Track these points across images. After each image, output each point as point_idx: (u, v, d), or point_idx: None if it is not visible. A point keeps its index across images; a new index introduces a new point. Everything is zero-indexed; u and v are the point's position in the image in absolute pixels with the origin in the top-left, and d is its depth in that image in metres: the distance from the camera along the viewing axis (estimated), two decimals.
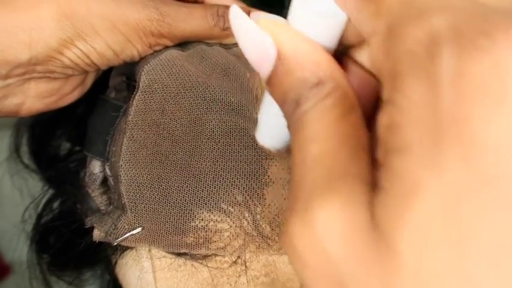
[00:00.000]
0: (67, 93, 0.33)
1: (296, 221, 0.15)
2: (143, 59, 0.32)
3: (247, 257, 0.29)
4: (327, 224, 0.14)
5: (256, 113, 0.30)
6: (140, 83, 0.31)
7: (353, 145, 0.15)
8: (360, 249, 0.13)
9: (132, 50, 0.31)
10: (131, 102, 0.31)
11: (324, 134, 0.15)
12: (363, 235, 0.13)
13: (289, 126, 0.17)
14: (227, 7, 0.32)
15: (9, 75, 0.29)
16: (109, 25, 0.29)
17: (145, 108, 0.31)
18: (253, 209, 0.28)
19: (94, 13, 0.29)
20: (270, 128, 0.28)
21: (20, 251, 0.42)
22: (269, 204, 0.28)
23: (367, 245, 0.13)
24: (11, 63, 0.29)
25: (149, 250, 0.31)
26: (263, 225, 0.29)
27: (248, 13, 0.32)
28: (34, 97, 0.32)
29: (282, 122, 0.27)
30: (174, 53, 0.32)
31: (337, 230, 0.14)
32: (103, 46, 0.30)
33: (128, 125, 0.31)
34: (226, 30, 0.31)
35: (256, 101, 0.30)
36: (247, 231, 0.29)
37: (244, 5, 0.33)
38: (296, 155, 0.16)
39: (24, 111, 0.32)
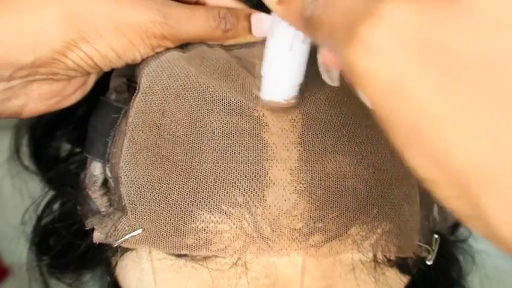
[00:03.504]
0: (69, 94, 0.34)
1: (375, 24, 0.17)
2: (143, 61, 0.32)
3: (247, 259, 0.29)
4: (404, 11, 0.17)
5: (257, 110, 0.30)
6: (141, 85, 0.31)
7: None
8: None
9: (134, 52, 0.31)
10: (131, 103, 0.31)
11: None
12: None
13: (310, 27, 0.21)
14: (229, 9, 0.32)
15: (12, 77, 0.29)
16: (112, 27, 0.29)
17: (145, 110, 0.31)
18: (253, 210, 0.28)
19: (98, 15, 0.29)
20: (278, 79, 0.30)
21: (19, 253, 0.41)
22: (270, 206, 0.28)
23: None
24: (15, 65, 0.29)
25: (150, 252, 0.31)
26: (264, 227, 0.28)
27: (249, 15, 0.32)
28: (37, 99, 0.32)
29: (290, 69, 0.30)
30: (175, 54, 0.32)
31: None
32: (106, 48, 0.30)
33: (128, 127, 0.31)
34: (228, 32, 0.31)
35: (257, 100, 0.30)
36: (247, 232, 0.28)
37: (245, 7, 0.33)
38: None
39: (26, 112, 0.32)
